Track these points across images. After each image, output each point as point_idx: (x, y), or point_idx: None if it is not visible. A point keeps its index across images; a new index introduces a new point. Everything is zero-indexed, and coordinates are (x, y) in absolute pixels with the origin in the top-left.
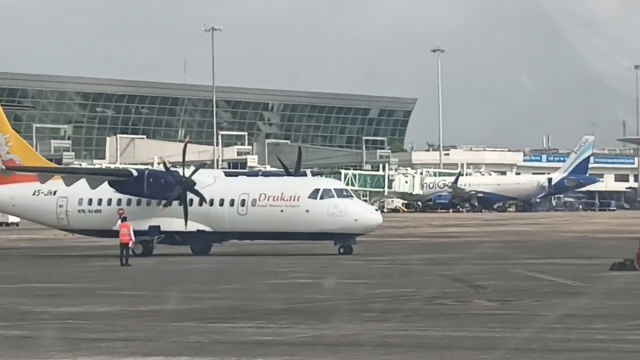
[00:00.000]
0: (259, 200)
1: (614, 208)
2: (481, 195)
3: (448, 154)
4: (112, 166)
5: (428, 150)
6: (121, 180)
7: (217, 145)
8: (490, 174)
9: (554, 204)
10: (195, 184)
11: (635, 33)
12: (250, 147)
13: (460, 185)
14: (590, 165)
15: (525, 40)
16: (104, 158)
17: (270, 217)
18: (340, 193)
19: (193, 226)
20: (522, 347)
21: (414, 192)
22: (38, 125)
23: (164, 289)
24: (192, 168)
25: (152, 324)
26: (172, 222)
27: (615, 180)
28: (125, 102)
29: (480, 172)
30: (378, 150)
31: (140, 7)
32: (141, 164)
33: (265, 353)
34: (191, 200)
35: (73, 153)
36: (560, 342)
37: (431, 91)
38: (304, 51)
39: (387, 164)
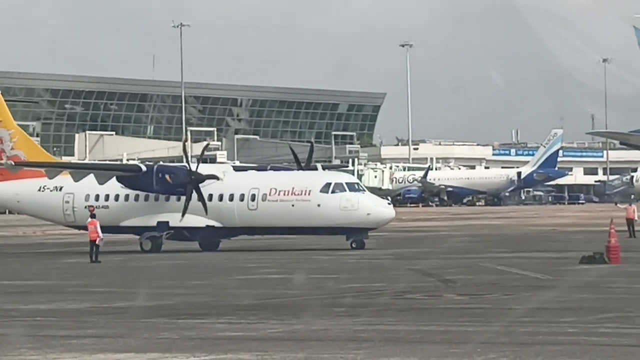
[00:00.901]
0: (270, 195)
1: (583, 201)
2: (450, 189)
3: (417, 149)
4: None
5: (397, 144)
6: (129, 176)
7: (187, 141)
8: (459, 168)
9: (524, 197)
10: (205, 179)
11: (604, 27)
12: (219, 143)
13: (430, 179)
14: (559, 159)
15: (493, 35)
16: (72, 155)
17: (281, 212)
18: (352, 187)
19: (202, 222)
20: (492, 341)
21: (383, 187)
22: None
23: (134, 286)
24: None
25: (122, 321)
26: (180, 218)
27: (584, 174)
28: (94, 98)
29: (449, 167)
30: (347, 145)
31: (108, 3)
32: (110, 160)
33: (235, 349)
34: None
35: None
36: (530, 335)
37: (400, 86)
38: (272, 47)
39: (356, 159)
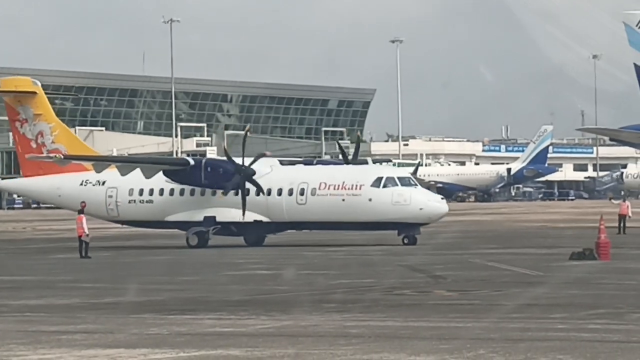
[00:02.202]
0: (319, 189)
1: (573, 197)
2: (440, 185)
3: (407, 145)
4: None
5: (387, 140)
6: (177, 170)
7: (176, 136)
8: (449, 164)
9: (513, 193)
10: (254, 173)
11: (594, 23)
12: (209, 139)
13: (420, 175)
14: (549, 155)
15: (484, 31)
16: None
17: (331, 206)
18: (404, 181)
19: (250, 216)
20: (482, 337)
21: None
22: None
23: (123, 281)
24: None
25: (111, 316)
26: (229, 213)
27: (574, 170)
28: (84, 94)
29: (439, 163)
30: (337, 141)
31: None
32: None
33: (225, 344)
34: (248, 190)
35: None
36: (520, 331)
37: (390, 82)
38: (262, 42)
39: (347, 155)
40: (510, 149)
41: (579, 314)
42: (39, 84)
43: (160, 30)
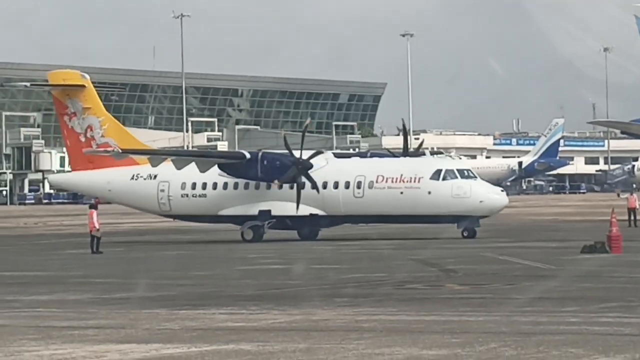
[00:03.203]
0: (377, 182)
1: (584, 191)
2: None
3: (418, 139)
4: None
5: (398, 134)
6: (233, 163)
7: (187, 131)
8: (460, 158)
9: (525, 187)
10: (312, 166)
11: (604, 15)
12: (220, 134)
13: None
14: (560, 148)
15: (494, 24)
16: None
17: (389, 199)
18: (463, 174)
19: (306, 210)
20: (494, 331)
21: None
22: (7, 113)
23: (135, 277)
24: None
25: (123, 312)
26: (284, 206)
27: (585, 163)
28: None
29: (450, 156)
30: (348, 136)
31: None
32: None
33: (237, 339)
34: (303, 183)
35: (43, 141)
36: (532, 325)
37: (401, 76)
38: (273, 37)
39: (357, 149)
40: (521, 142)
41: (591, 307)
42: (88, 77)
43: (170, 25)
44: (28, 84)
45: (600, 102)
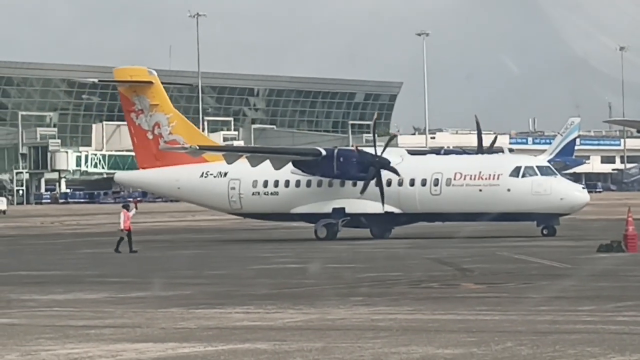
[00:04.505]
0: (454, 179)
1: (601, 190)
2: None
3: (434, 138)
4: (98, 153)
5: (414, 134)
6: (308, 160)
7: (203, 131)
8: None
9: None
10: (389, 162)
11: (620, 14)
12: (236, 133)
13: None
14: (576, 147)
15: (509, 23)
16: (90, 145)
17: (468, 197)
18: (543, 170)
19: (380, 207)
20: (510, 330)
21: None
22: (24, 112)
23: (151, 276)
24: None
25: (139, 311)
26: (360, 204)
27: (602, 162)
28: (111, 88)
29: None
30: (364, 135)
31: None
32: (127, 150)
33: (253, 338)
34: (379, 180)
35: (59, 140)
36: (548, 324)
37: (417, 75)
38: (288, 36)
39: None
40: (537, 141)
41: (607, 307)
42: (155, 73)
43: (186, 24)
44: (96, 79)
45: (616, 101)
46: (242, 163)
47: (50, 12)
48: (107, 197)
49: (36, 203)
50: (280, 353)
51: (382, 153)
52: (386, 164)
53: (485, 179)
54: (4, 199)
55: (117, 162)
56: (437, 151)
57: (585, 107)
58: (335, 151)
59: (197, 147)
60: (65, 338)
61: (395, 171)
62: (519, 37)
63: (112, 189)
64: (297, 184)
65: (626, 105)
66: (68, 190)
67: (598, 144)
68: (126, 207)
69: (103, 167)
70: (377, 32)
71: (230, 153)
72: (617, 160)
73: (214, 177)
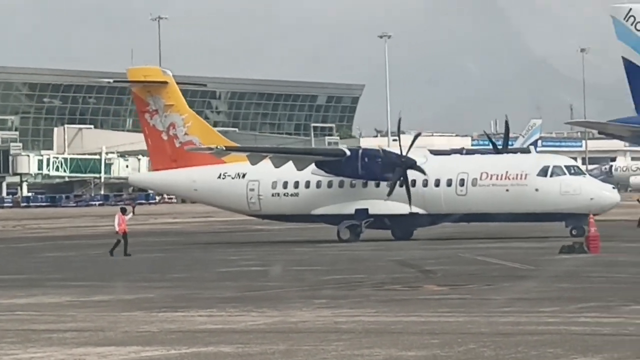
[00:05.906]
0: (480, 179)
1: None
2: None
3: (396, 140)
4: (60, 157)
5: (376, 136)
6: (331, 161)
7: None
8: None
9: None
10: (415, 162)
11: (582, 16)
12: None
13: None
14: (538, 149)
15: (472, 25)
16: (51, 149)
17: (494, 197)
18: (571, 170)
19: (405, 208)
20: (473, 331)
21: None
22: None
23: (113, 279)
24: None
25: (102, 314)
26: (383, 205)
27: None
28: (72, 92)
29: None
30: (326, 137)
31: None
32: (89, 154)
33: (216, 341)
34: (404, 180)
35: (21, 144)
36: (511, 325)
37: (379, 77)
38: (250, 39)
39: None
40: (499, 143)
41: (569, 308)
42: (170, 73)
43: (148, 27)
44: (111, 80)
45: (577, 102)
46: (261, 164)
47: (12, 15)
48: (69, 200)
49: None
50: (244, 356)
51: (407, 153)
52: (413, 164)
53: (512, 178)
54: None
55: (79, 166)
56: (459, 151)
57: (546, 109)
58: (360, 151)
59: (224, 148)
60: (27, 342)
61: (422, 171)
62: (480, 39)
63: (73, 192)
64: (318, 184)
65: (587, 106)
66: (30, 194)
67: (560, 146)
68: (123, 210)
69: (65, 171)
70: (339, 34)
71: (255, 154)
72: (579, 161)
73: (232, 178)
